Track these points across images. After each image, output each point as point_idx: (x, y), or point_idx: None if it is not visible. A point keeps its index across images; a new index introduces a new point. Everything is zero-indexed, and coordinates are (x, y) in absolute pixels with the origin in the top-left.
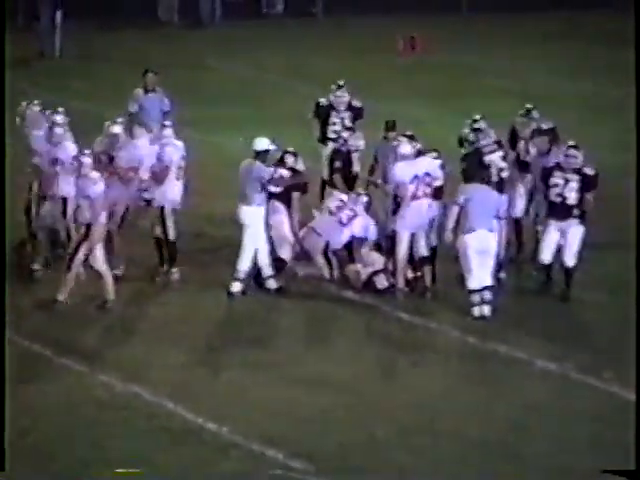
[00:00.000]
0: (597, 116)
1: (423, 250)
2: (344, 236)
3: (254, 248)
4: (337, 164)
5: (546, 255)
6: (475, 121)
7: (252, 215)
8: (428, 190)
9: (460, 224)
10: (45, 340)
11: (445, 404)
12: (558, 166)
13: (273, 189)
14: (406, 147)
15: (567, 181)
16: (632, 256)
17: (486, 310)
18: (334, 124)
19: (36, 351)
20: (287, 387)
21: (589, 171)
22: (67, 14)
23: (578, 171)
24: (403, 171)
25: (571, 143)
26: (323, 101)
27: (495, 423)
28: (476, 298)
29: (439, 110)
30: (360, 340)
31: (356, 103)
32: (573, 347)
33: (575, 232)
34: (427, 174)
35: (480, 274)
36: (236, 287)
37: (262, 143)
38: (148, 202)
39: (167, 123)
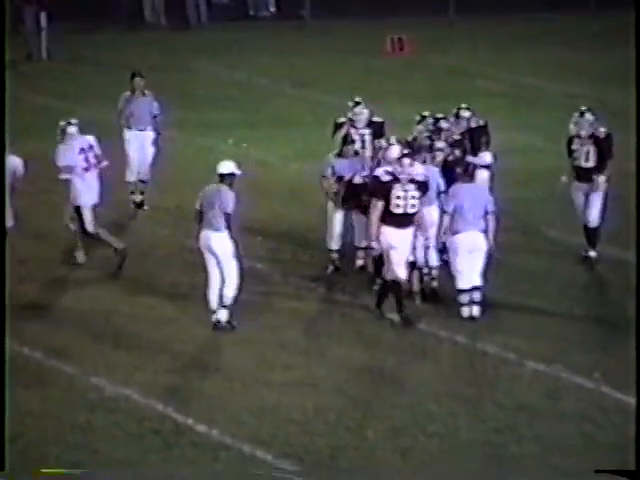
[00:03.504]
0: None
1: (412, 256)
2: None
3: (236, 273)
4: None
5: None
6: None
7: (223, 241)
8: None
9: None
10: (35, 343)
11: (435, 405)
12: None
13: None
14: (395, 150)
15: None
16: (623, 258)
17: (475, 310)
18: (354, 142)
19: (27, 354)
20: (277, 389)
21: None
22: (52, 16)
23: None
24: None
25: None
26: (341, 119)
27: (485, 424)
28: (465, 298)
29: (426, 111)
30: (350, 341)
31: (376, 118)
32: (564, 348)
33: None
34: None
35: (470, 274)
36: (223, 315)
37: (227, 166)
38: (139, 205)
39: None
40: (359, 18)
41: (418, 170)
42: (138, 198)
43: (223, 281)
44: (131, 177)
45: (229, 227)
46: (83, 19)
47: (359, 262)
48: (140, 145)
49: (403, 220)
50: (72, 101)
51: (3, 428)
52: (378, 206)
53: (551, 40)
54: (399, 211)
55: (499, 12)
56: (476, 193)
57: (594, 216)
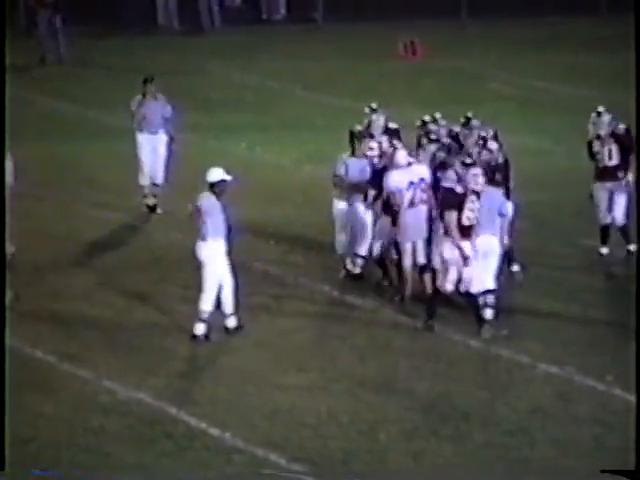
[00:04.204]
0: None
1: (422, 258)
2: None
3: (217, 286)
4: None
5: None
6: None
7: (210, 251)
8: (424, 196)
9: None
10: (48, 347)
11: (448, 408)
12: None
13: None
14: (402, 155)
15: None
16: (632, 262)
17: (489, 314)
18: (371, 150)
19: (40, 358)
20: (290, 392)
21: None
22: (65, 20)
23: None
24: (398, 179)
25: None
26: (358, 127)
27: (498, 427)
28: (479, 301)
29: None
30: (362, 344)
31: (392, 125)
32: (576, 350)
33: None
34: (422, 180)
35: (483, 277)
36: (199, 329)
37: (216, 174)
38: (152, 208)
39: None
40: (371, 21)
41: (422, 171)
42: (151, 201)
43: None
44: (144, 181)
45: (228, 236)
46: (96, 23)
47: (357, 270)
48: (152, 148)
49: (469, 232)
50: (84, 105)
51: (3, 429)
52: (453, 217)
53: (562, 43)
54: (468, 223)
55: (511, 15)
56: (490, 197)
57: (621, 214)
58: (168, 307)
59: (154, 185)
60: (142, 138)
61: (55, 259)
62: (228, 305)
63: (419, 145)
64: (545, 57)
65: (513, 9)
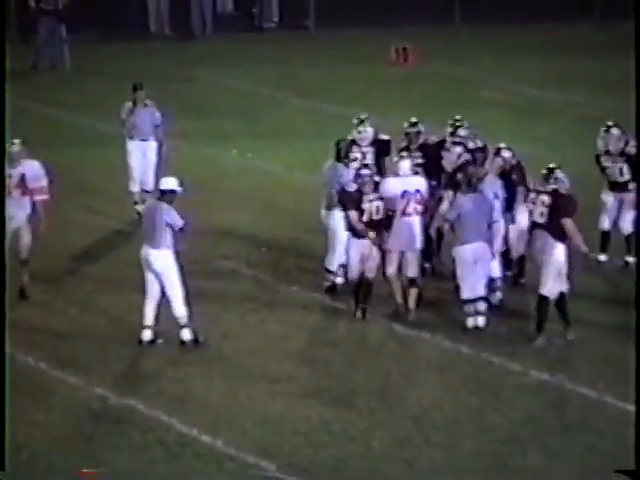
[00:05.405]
0: (586, 127)
1: (413, 272)
2: None
3: (183, 289)
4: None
5: None
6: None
7: (163, 259)
8: (419, 208)
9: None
10: (40, 354)
11: (440, 415)
12: None
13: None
14: (406, 164)
15: None
16: (627, 268)
17: (480, 321)
18: (354, 160)
19: (32, 365)
20: (282, 400)
21: None
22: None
23: None
24: (394, 185)
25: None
26: (350, 137)
27: (489, 434)
28: (470, 309)
29: (431, 121)
30: (354, 352)
31: (383, 136)
32: (568, 357)
33: None
34: (418, 191)
35: (475, 285)
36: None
37: (169, 183)
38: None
39: None
40: (363, 28)
41: (420, 183)
42: (141, 208)
43: (169, 300)
44: (134, 187)
45: (175, 243)
46: (88, 30)
47: (327, 283)
48: (142, 155)
49: None
50: (78, 112)
51: (3, 429)
52: (571, 223)
53: (556, 49)
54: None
55: (504, 21)
56: (481, 203)
57: (629, 223)
58: (159, 314)
59: (144, 192)
60: (132, 145)
61: (48, 266)
62: (182, 317)
63: (422, 147)
64: (539, 63)
65: (506, 15)
